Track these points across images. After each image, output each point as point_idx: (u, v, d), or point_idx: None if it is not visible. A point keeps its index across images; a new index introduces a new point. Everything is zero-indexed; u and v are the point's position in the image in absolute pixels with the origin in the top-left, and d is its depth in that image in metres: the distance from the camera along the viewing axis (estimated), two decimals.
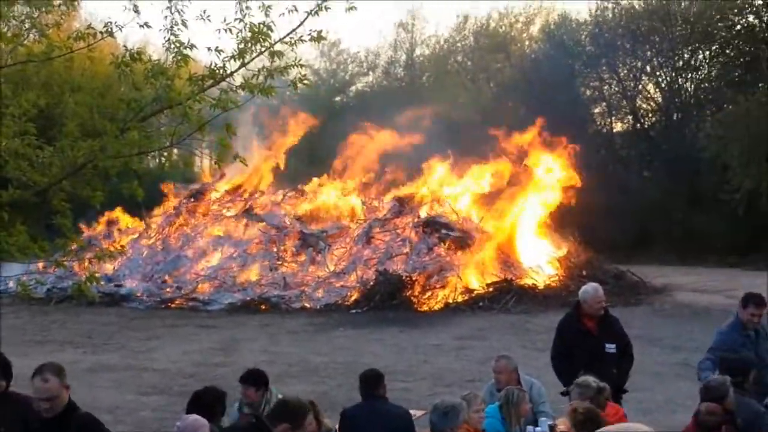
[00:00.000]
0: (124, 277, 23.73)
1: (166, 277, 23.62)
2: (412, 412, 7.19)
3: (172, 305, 21.73)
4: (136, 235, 26.49)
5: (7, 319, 19.80)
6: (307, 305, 20.82)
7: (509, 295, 20.12)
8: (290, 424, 4.84)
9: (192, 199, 27.84)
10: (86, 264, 7.64)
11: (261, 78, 6.07)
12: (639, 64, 35.90)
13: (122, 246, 7.85)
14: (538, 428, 6.37)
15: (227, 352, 15.72)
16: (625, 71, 36.23)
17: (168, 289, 22.84)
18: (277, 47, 6.22)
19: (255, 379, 7.48)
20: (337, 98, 46.32)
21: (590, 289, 7.98)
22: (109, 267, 22.02)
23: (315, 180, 27.84)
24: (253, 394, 7.40)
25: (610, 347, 7.68)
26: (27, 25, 7.20)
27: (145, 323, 19.31)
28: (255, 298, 21.39)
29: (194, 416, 6.07)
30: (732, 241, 28.85)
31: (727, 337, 7.55)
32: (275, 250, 23.89)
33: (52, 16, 7.55)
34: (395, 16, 45.54)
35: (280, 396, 7.61)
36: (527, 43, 44.18)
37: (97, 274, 6.62)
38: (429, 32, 48.39)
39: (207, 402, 6.79)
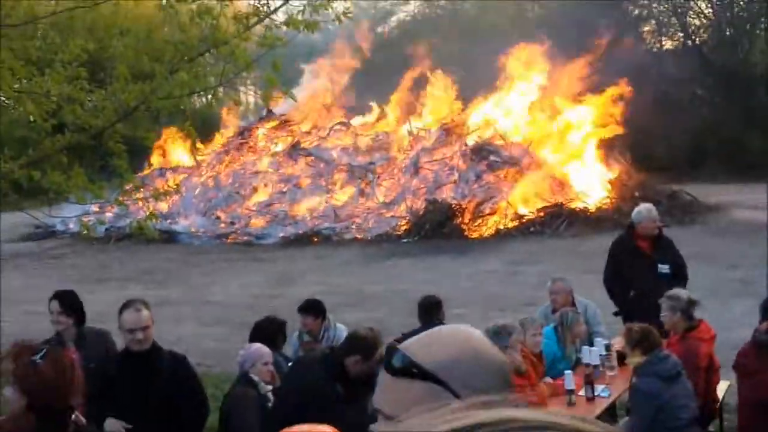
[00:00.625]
0: (178, 215, 24.20)
1: (220, 213, 24.04)
2: None
3: (227, 240, 22.17)
4: (187, 175, 26.90)
5: (69, 259, 20.51)
6: (358, 236, 21.05)
7: (560, 219, 20.05)
8: (362, 356, 4.94)
9: (240, 137, 28.10)
10: (144, 203, 7.87)
11: (306, 13, 6.07)
12: None
13: (176, 184, 8.00)
14: (594, 348, 6.44)
15: (283, 284, 16.04)
16: None
17: (222, 225, 23.28)
18: None
19: (313, 308, 7.69)
20: (379, 29, 45.66)
21: (643, 210, 7.95)
22: (163, 205, 22.45)
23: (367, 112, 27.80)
24: (312, 323, 7.62)
25: (664, 268, 7.67)
26: None
27: (201, 259, 19.76)
28: (307, 231, 21.68)
29: (257, 344, 6.31)
30: None
31: None
32: (324, 183, 24.09)
33: None
34: None
35: (339, 324, 7.83)
36: None
37: (155, 212, 6.80)
38: None
39: (269, 331, 7.05)
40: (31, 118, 6.76)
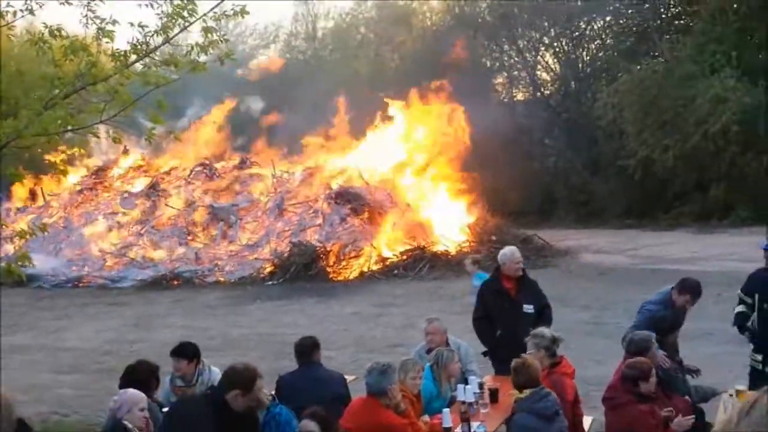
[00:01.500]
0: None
1: (72, 256, 23.03)
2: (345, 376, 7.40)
3: (80, 284, 21.27)
4: (36, 214, 25.63)
5: None
6: (221, 279, 20.74)
7: (423, 262, 20.54)
8: (241, 390, 4.96)
9: (94, 176, 27.12)
10: (8, 244, 7.49)
11: (194, 54, 6.07)
12: (537, 35, 36.78)
13: (44, 225, 7.66)
14: (468, 386, 6.65)
15: (142, 328, 15.56)
16: (524, 42, 37.06)
17: (74, 268, 22.32)
18: (205, 23, 6.21)
19: (187, 351, 7.50)
20: (239, 71, 45.62)
21: (507, 251, 8.36)
22: (9, 247, 21.30)
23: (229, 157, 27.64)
24: (185, 367, 7.42)
25: (528, 308, 8.04)
26: None
27: (53, 303, 18.91)
28: (166, 273, 21.12)
29: (131, 390, 6.08)
30: (629, 204, 30.25)
31: (656, 314, 7.60)
32: (184, 225, 23.60)
33: None
34: None
35: (213, 368, 7.68)
36: (428, 15, 44.44)
37: (27, 254, 6.51)
38: (328, 5, 47.91)
39: (141, 375, 6.80)
40: None
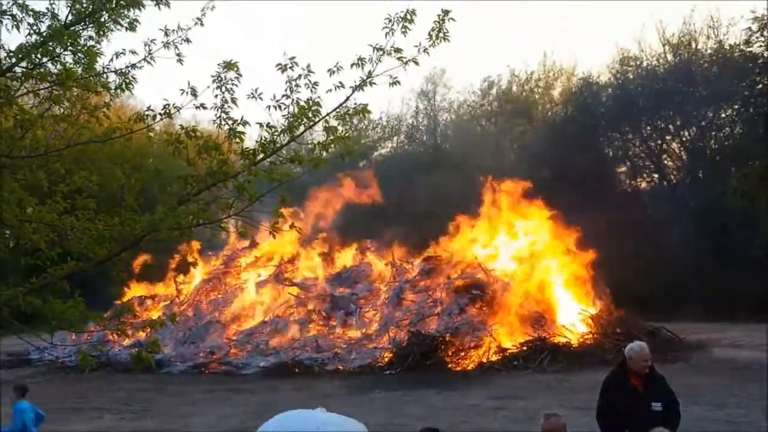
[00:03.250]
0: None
1: (199, 343, 23.81)
2: None
3: (206, 370, 21.87)
4: (168, 302, 26.82)
5: (45, 387, 20.02)
6: (341, 367, 20.88)
7: (543, 354, 20.07)
8: None
9: (222, 266, 28.23)
10: (133, 332, 7.87)
11: (316, 152, 6.36)
12: (662, 123, 36.24)
13: (173, 315, 8.05)
14: None
15: (264, 416, 15.68)
16: (648, 131, 36.56)
17: (201, 354, 23.01)
18: (327, 123, 6.53)
19: None
20: (361, 164, 46.94)
21: (636, 347, 8.05)
22: (141, 333, 22.25)
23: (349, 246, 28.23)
24: None
25: (656, 405, 7.70)
26: (78, 107, 7.51)
27: (180, 388, 19.41)
28: (288, 361, 21.47)
29: None
30: (762, 296, 28.64)
31: None
32: (306, 313, 24.06)
33: (101, 98, 7.89)
34: (414, 82, 45.84)
35: None
36: (548, 106, 44.72)
37: (158, 343, 6.84)
38: (450, 98, 48.90)
39: None
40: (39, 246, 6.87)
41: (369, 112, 6.72)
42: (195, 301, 26.52)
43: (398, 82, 6.59)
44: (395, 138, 49.71)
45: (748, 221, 29.11)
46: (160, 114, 6.73)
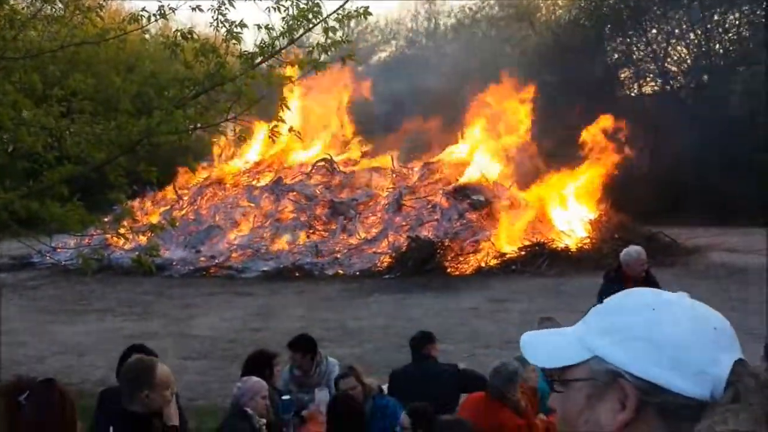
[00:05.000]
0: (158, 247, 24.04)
1: (200, 247, 23.99)
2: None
3: (207, 274, 22.11)
4: (168, 207, 26.87)
5: (47, 290, 20.31)
6: (341, 272, 21.11)
7: (542, 258, 20.24)
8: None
9: (221, 171, 28.18)
10: (134, 236, 7.92)
11: (316, 54, 6.23)
12: (668, 27, 35.51)
13: (173, 219, 8.06)
14: None
15: (265, 318, 16.02)
16: (653, 33, 35.87)
17: (202, 258, 23.23)
18: (326, 24, 6.37)
19: (301, 344, 7.72)
20: (360, 68, 46.22)
21: (633, 252, 8.12)
22: (142, 238, 22.42)
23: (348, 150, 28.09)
24: (300, 359, 7.65)
25: None
26: (71, 8, 7.32)
27: (181, 291, 19.65)
28: (288, 265, 21.69)
29: (254, 379, 6.34)
30: (766, 201, 28.62)
31: None
32: (306, 219, 24.16)
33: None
34: None
35: (330, 359, 7.88)
36: (552, 8, 43.74)
37: (157, 247, 6.88)
38: (452, 3, 47.88)
39: (262, 364, 7.08)
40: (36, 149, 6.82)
41: (370, 14, 6.56)
42: (196, 207, 26.57)
43: None
44: (394, 42, 48.87)
45: (752, 127, 28.83)
46: (154, 15, 6.57)
